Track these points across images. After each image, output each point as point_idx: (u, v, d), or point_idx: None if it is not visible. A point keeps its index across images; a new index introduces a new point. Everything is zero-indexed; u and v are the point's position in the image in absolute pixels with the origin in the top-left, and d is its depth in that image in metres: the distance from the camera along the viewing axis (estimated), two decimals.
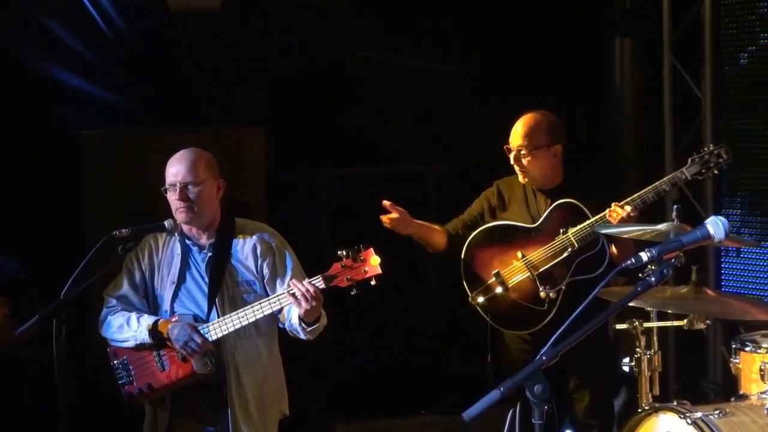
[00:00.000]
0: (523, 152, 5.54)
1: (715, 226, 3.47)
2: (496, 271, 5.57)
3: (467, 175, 7.21)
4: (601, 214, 5.37)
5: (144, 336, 4.90)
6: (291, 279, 4.88)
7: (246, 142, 7.02)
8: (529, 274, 5.51)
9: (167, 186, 4.94)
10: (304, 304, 4.72)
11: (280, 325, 5.01)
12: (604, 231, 5.27)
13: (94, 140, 6.82)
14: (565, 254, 5.44)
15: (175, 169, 4.92)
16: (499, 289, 5.55)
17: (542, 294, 5.47)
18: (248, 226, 5.07)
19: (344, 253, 4.76)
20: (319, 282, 4.75)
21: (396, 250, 6.66)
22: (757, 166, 7.18)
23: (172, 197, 4.92)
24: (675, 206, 5.07)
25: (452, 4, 7.49)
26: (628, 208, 5.30)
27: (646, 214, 5.44)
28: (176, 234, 4.98)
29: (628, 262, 3.38)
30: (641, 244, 4.91)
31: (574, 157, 5.72)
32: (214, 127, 7.12)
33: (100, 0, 7.08)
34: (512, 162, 5.58)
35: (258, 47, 7.32)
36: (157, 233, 5.01)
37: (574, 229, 5.43)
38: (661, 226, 4.99)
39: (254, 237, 5.01)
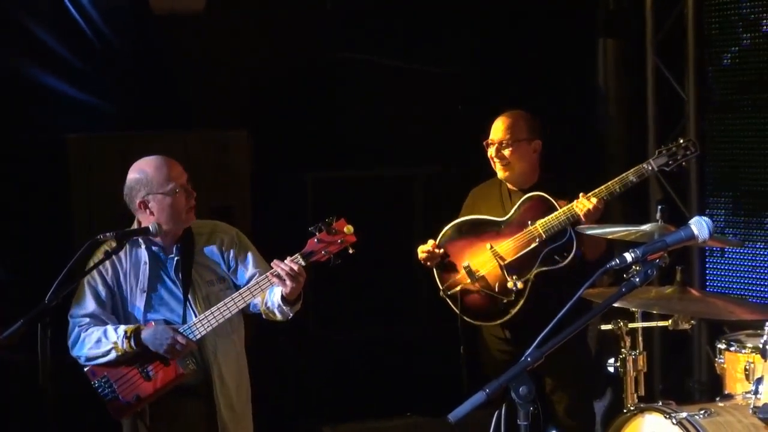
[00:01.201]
0: (504, 144, 5.59)
1: (699, 226, 3.48)
2: (467, 263, 5.59)
3: (454, 177, 7.21)
4: (568, 206, 5.41)
5: (125, 344, 4.81)
6: (255, 264, 4.88)
7: (231, 144, 6.99)
8: (497, 264, 5.53)
9: (178, 188, 4.84)
10: (289, 282, 4.69)
11: (252, 310, 4.96)
12: (588, 232, 5.28)
13: (79, 144, 6.79)
14: (533, 245, 5.48)
15: (180, 169, 4.88)
16: (468, 281, 5.57)
17: (510, 284, 5.49)
18: (204, 226, 5.03)
19: (318, 227, 4.73)
20: (298, 261, 4.72)
21: (384, 252, 6.68)
22: (741, 166, 7.19)
23: (182, 198, 4.85)
24: (659, 207, 5.08)
25: (438, 6, 7.49)
26: (594, 200, 5.35)
27: (630, 214, 5.45)
28: (140, 242, 4.92)
29: (613, 262, 3.39)
30: (624, 244, 4.92)
31: (557, 157, 5.74)
32: (199, 130, 7.09)
33: (83, 3, 7.06)
34: (492, 155, 5.62)
35: (243, 50, 7.31)
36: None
37: (542, 220, 5.47)
38: (646, 227, 5.01)
39: (214, 234, 4.99)
